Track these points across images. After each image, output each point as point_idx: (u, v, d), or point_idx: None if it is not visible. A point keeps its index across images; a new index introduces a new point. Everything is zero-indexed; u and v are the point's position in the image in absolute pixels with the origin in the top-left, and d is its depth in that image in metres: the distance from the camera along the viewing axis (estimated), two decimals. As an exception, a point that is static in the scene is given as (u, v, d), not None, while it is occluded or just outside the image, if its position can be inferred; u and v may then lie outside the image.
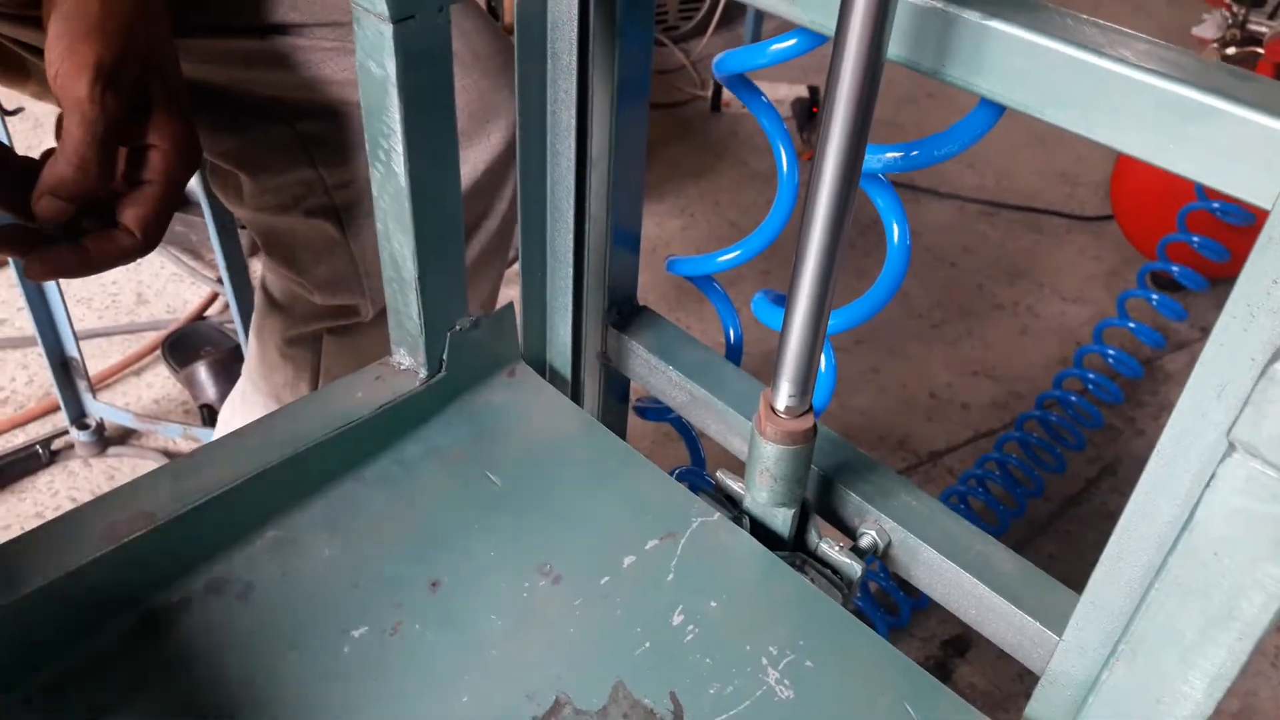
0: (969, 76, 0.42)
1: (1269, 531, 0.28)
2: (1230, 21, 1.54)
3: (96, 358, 1.45)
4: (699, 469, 0.81)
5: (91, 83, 0.53)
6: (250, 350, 0.94)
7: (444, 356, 0.58)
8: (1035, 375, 1.58)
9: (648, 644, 0.50)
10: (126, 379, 1.44)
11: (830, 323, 0.59)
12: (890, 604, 1.16)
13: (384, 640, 0.49)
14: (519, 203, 0.57)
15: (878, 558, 0.58)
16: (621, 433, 0.74)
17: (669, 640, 0.50)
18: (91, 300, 1.57)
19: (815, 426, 0.53)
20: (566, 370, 0.65)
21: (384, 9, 0.45)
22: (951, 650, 1.19)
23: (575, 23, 0.50)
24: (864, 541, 0.57)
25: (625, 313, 0.67)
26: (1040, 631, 0.52)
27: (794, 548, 0.57)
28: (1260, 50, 1.56)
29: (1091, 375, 1.36)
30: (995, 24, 0.40)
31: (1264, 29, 1.56)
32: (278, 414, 0.55)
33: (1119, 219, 1.85)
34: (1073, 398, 1.33)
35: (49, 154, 0.56)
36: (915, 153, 0.51)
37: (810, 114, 2.04)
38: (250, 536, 0.53)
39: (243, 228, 1.17)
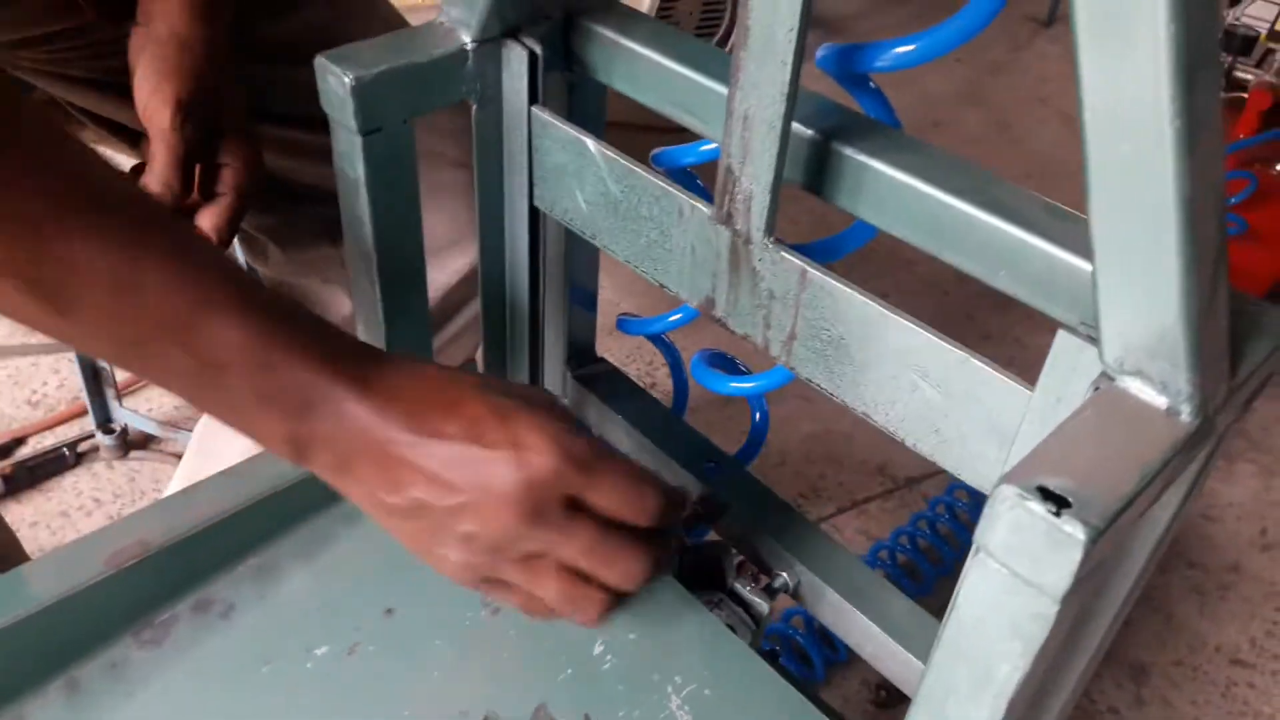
0: (850, 203, 0.49)
1: (1005, 616, 0.35)
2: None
3: (123, 365, 1.54)
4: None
5: (173, 115, 0.64)
6: None
7: (410, 406, 0.65)
8: (1017, 405, 1.64)
9: (570, 671, 0.57)
10: (150, 386, 1.54)
11: (755, 385, 0.67)
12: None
13: (342, 659, 0.57)
14: (479, 270, 0.64)
15: (791, 596, 0.65)
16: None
17: (589, 668, 0.57)
18: (120, 310, 1.66)
19: None
20: (524, 417, 0.72)
21: (354, 123, 0.52)
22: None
23: (525, 128, 0.58)
24: (777, 582, 0.64)
25: (583, 364, 0.74)
26: (919, 666, 0.59)
27: (713, 584, 0.65)
28: (1245, 95, 1.61)
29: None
30: (867, 160, 0.47)
31: (1249, 76, 1.61)
32: (260, 456, 0.63)
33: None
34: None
35: (137, 169, 0.67)
36: (819, 248, 0.57)
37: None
38: (234, 563, 0.61)
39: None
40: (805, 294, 0.50)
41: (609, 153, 0.55)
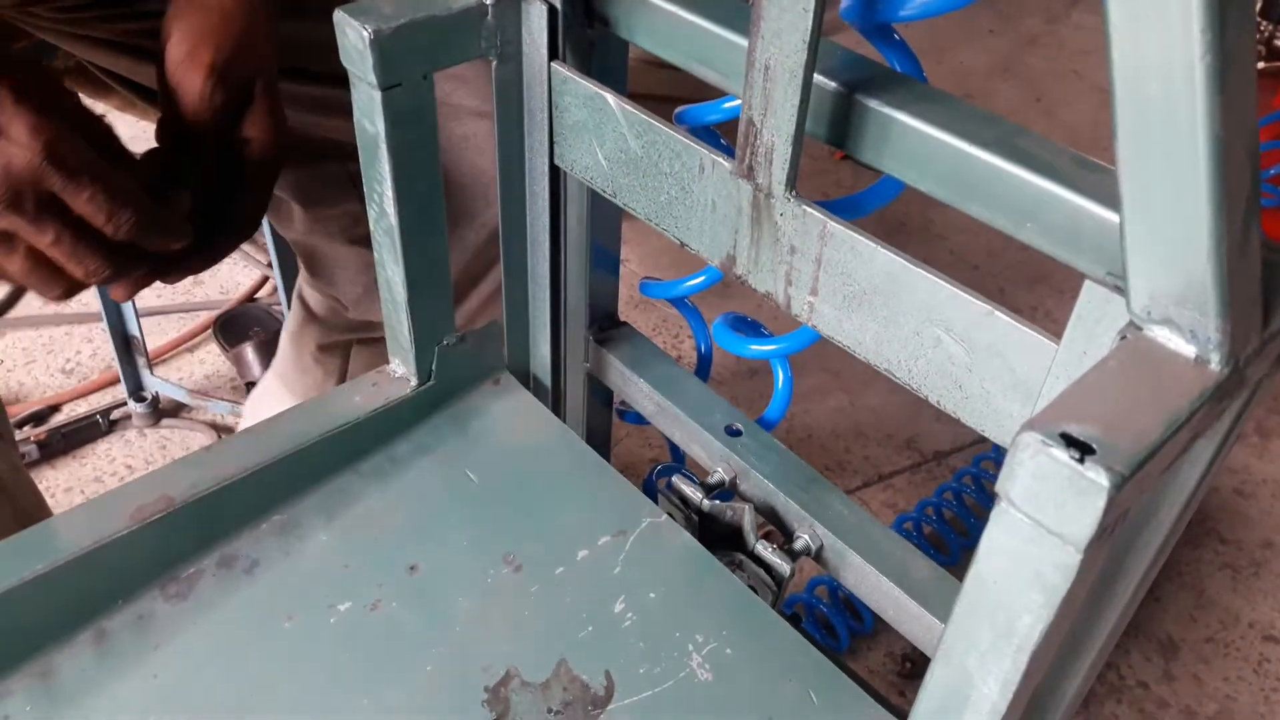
0: (874, 157, 0.48)
1: (1028, 566, 0.34)
2: (1257, 37, 1.56)
3: (154, 334, 1.56)
4: (679, 466, 0.88)
5: (205, 79, 0.62)
6: (284, 351, 1.04)
7: (433, 367, 0.65)
8: (1047, 379, 1.62)
9: (590, 628, 0.57)
10: (181, 355, 1.55)
11: (777, 347, 0.66)
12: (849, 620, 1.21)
13: (364, 616, 0.58)
14: (500, 236, 0.64)
15: (813, 559, 0.65)
16: (606, 433, 0.82)
17: (609, 625, 0.57)
18: (152, 280, 1.68)
19: None
20: (547, 380, 0.72)
21: (374, 78, 0.52)
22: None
23: (545, 84, 0.57)
24: (798, 544, 0.64)
25: (606, 328, 0.74)
26: (942, 629, 0.58)
27: (735, 547, 0.64)
28: (1286, 64, 1.57)
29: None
30: (892, 112, 0.46)
31: (1291, 43, 1.57)
32: (286, 414, 0.63)
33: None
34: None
35: (150, 154, 0.65)
36: (843, 206, 0.57)
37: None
38: (258, 520, 0.61)
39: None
40: (827, 249, 0.49)
41: (629, 107, 0.54)
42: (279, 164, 0.67)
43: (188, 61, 0.62)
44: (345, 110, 0.54)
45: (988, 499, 1.31)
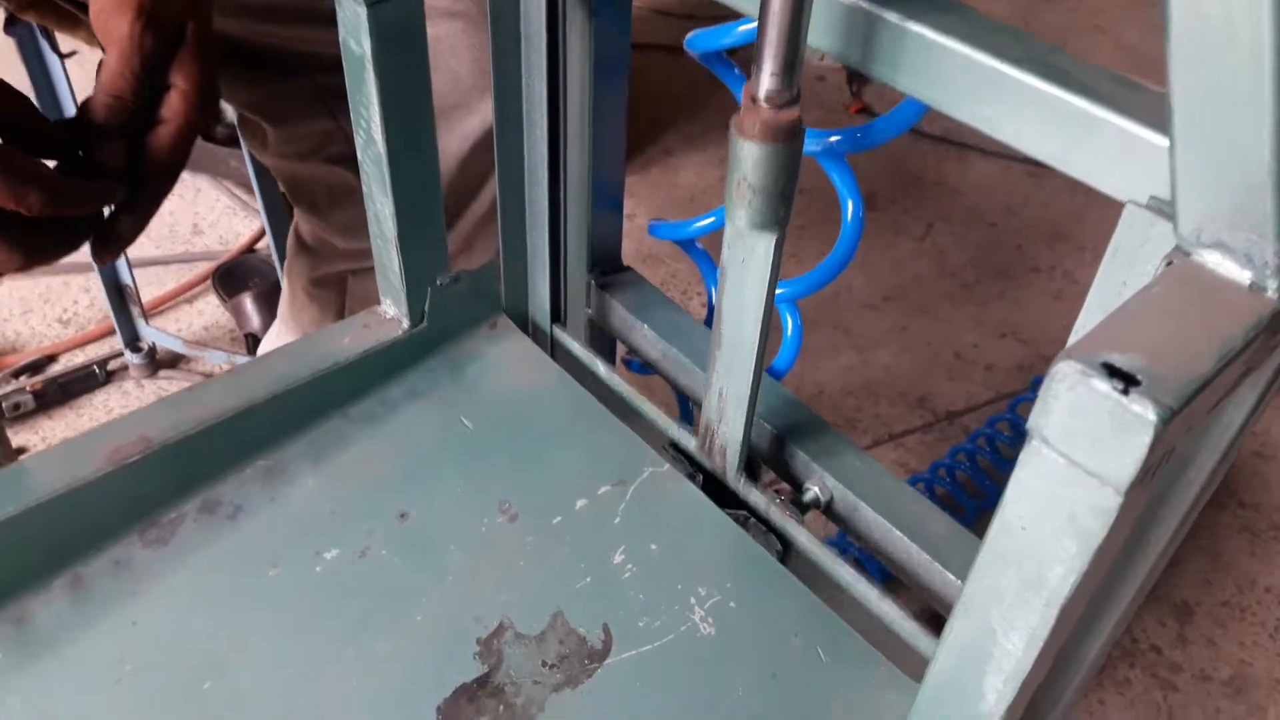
0: (890, 74, 0.44)
1: (1061, 511, 0.31)
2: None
3: (153, 284, 1.53)
4: (686, 419, 0.85)
5: (133, 21, 0.57)
6: (282, 292, 1.01)
7: (425, 308, 0.62)
8: (1065, 340, 1.57)
9: (588, 579, 0.55)
10: (179, 306, 1.53)
11: (785, 291, 0.63)
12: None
13: (353, 563, 0.55)
14: (496, 167, 0.61)
15: (823, 512, 0.62)
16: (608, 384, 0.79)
17: (608, 577, 0.55)
18: (150, 229, 1.65)
19: (801, 124, 0.47)
20: (546, 325, 0.69)
21: (360, -9, 0.49)
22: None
23: (544, 4, 0.54)
24: (807, 496, 0.61)
25: (608, 272, 0.71)
26: (958, 585, 0.56)
27: (740, 498, 0.62)
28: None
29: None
30: (911, 26, 0.43)
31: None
32: (273, 354, 0.61)
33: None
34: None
35: (84, 104, 0.61)
36: (859, 135, 0.53)
37: (860, 66, 2.02)
38: (242, 464, 0.59)
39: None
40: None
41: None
42: (201, 118, 0.62)
43: (116, 2, 0.57)
44: (308, 18, 0.50)
45: (1002, 460, 1.28)
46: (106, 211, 0.62)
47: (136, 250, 1.59)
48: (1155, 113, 0.38)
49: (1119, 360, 0.29)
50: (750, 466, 0.62)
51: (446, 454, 0.60)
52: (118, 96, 0.58)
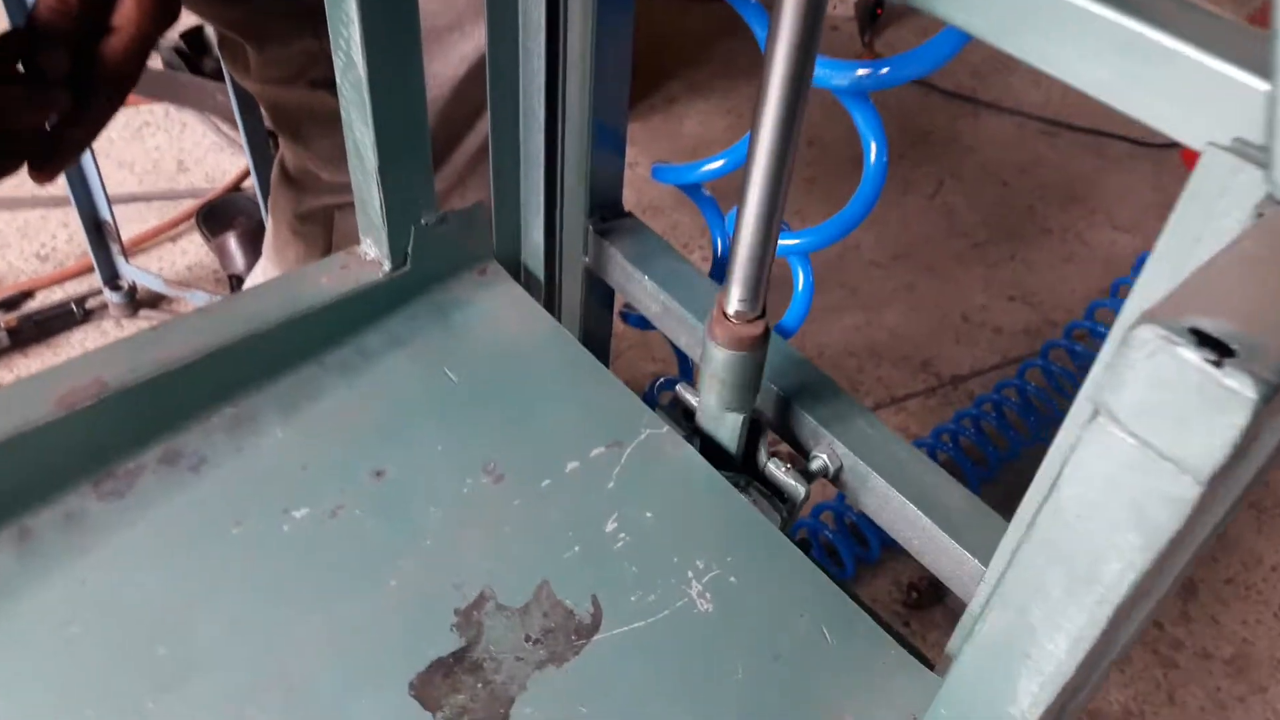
0: (929, 2, 0.40)
1: (1127, 499, 0.27)
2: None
3: (135, 221, 1.48)
4: (687, 379, 0.81)
5: None
6: (267, 226, 0.96)
7: (409, 250, 0.58)
8: (1074, 304, 1.54)
9: (577, 548, 0.50)
10: (163, 244, 1.47)
11: (798, 242, 0.58)
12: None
13: (323, 522, 0.51)
14: (488, 99, 0.56)
15: (829, 480, 0.58)
16: (605, 339, 0.74)
17: (599, 546, 0.51)
18: (133, 165, 1.59)
19: (767, 333, 0.52)
20: (540, 272, 0.65)
21: (338, -111, 0.43)
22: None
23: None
24: (815, 464, 0.57)
25: (608, 218, 0.66)
26: (976, 567, 0.52)
27: (742, 465, 0.58)
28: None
29: (1124, 310, 1.32)
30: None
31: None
32: (243, 294, 0.56)
33: (1184, 150, 1.77)
34: (1101, 329, 1.29)
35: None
36: (885, 70, 0.48)
37: (874, 15, 1.96)
38: (207, 412, 0.54)
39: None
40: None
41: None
42: (155, 29, 0.56)
43: None
44: None
45: (1010, 428, 1.24)
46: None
47: (117, 186, 1.54)
48: (1238, 47, 0.33)
49: (1209, 326, 0.24)
50: (754, 430, 0.58)
51: (428, 408, 0.56)
52: (64, 5, 0.52)
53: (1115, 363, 0.25)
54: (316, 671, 0.46)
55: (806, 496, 0.56)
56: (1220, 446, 0.24)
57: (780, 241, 0.59)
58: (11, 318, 1.31)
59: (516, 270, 0.65)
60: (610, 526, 0.51)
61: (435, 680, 0.46)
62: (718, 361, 0.53)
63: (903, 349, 1.48)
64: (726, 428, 0.56)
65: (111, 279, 1.33)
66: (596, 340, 0.73)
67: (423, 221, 0.57)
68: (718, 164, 0.63)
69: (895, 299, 1.54)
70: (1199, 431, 0.24)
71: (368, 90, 0.49)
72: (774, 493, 0.56)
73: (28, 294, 1.39)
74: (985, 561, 0.51)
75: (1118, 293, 1.38)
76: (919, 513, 0.54)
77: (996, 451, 1.20)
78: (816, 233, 0.60)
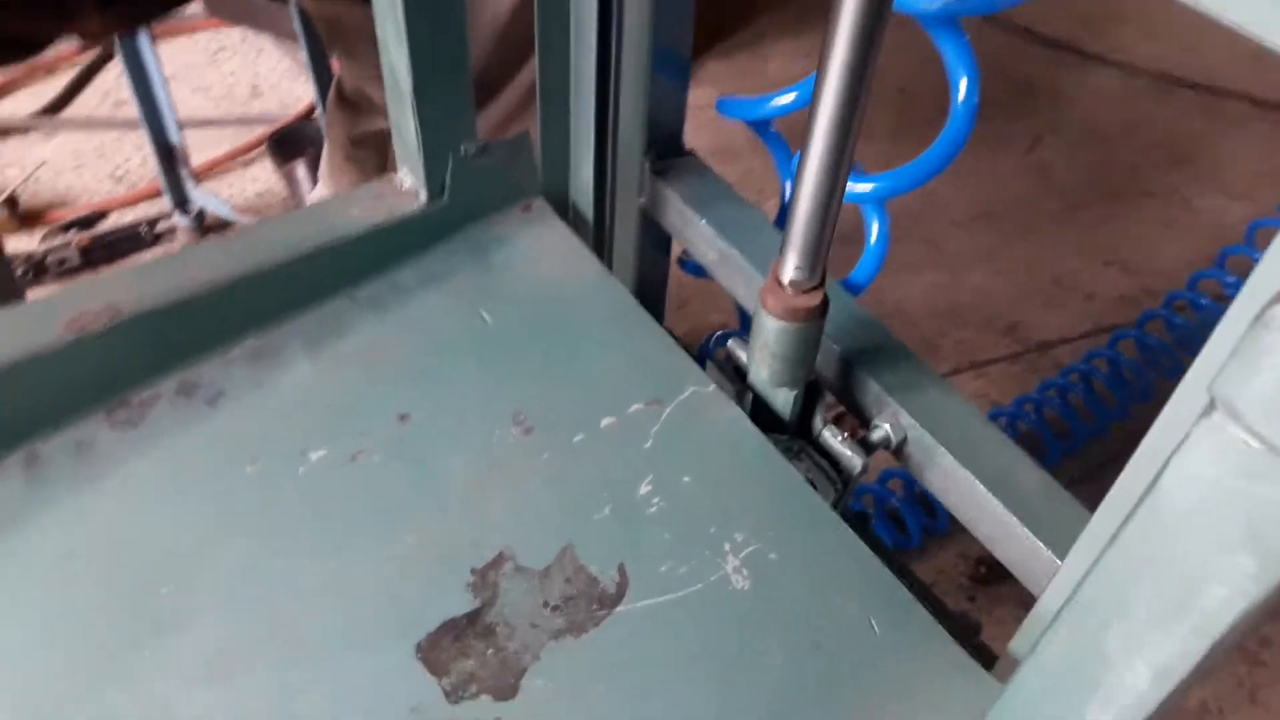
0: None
1: (1242, 513, 0.22)
2: None
3: (208, 146, 1.47)
4: (746, 333, 0.76)
5: None
6: (324, 152, 0.93)
7: (446, 180, 0.54)
8: (1176, 273, 1.44)
9: (607, 510, 0.47)
10: (235, 169, 1.46)
11: (873, 187, 0.53)
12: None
13: (341, 466, 0.48)
14: (535, 15, 0.51)
15: (891, 453, 0.53)
16: (660, 287, 0.70)
17: (630, 510, 0.47)
18: (209, 89, 1.58)
19: (825, 305, 0.47)
20: (589, 212, 0.60)
21: None
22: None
23: None
24: (876, 434, 0.52)
25: (667, 155, 0.61)
26: (1050, 560, 0.47)
27: (796, 431, 0.53)
28: None
29: (1231, 279, 1.23)
30: None
31: None
32: (269, 221, 0.53)
33: (1314, 109, 1.63)
34: (1203, 301, 1.20)
35: None
36: (983, -8, 0.42)
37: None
38: (228, 343, 0.51)
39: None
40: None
41: None
42: None
43: None
44: None
45: (1098, 401, 1.16)
46: None
47: (191, 110, 1.53)
48: None
49: (1376, 305, 0.19)
50: (811, 394, 0.53)
51: (460, 350, 0.52)
52: None
53: (1244, 348, 0.20)
54: (319, 625, 0.43)
55: (864, 470, 0.51)
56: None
57: (852, 186, 0.53)
58: (84, 237, 1.32)
59: (564, 208, 0.61)
60: (644, 489, 0.47)
61: (444, 643, 0.43)
62: (769, 332, 0.48)
63: (987, 311, 1.40)
64: (778, 401, 0.52)
65: (180, 203, 1.33)
66: (651, 288, 0.68)
67: (462, 151, 0.53)
68: (788, 98, 0.57)
69: (981, 259, 1.46)
70: (1349, 439, 0.19)
71: (402, 6, 0.45)
72: (829, 463, 0.51)
73: (101, 214, 1.39)
74: (1061, 556, 0.46)
75: (1225, 263, 1.27)
76: (989, 494, 0.49)
77: (1083, 425, 1.13)
78: (894, 177, 0.54)
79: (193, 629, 0.42)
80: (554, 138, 0.56)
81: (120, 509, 0.46)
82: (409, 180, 0.54)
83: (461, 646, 0.42)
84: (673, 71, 0.57)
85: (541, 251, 0.56)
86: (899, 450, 0.52)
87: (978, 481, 0.49)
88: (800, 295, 0.46)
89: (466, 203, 0.55)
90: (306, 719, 0.40)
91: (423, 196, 0.54)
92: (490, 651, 0.42)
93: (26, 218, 1.37)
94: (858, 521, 0.48)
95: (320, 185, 0.95)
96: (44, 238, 1.33)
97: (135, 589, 0.44)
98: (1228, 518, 0.22)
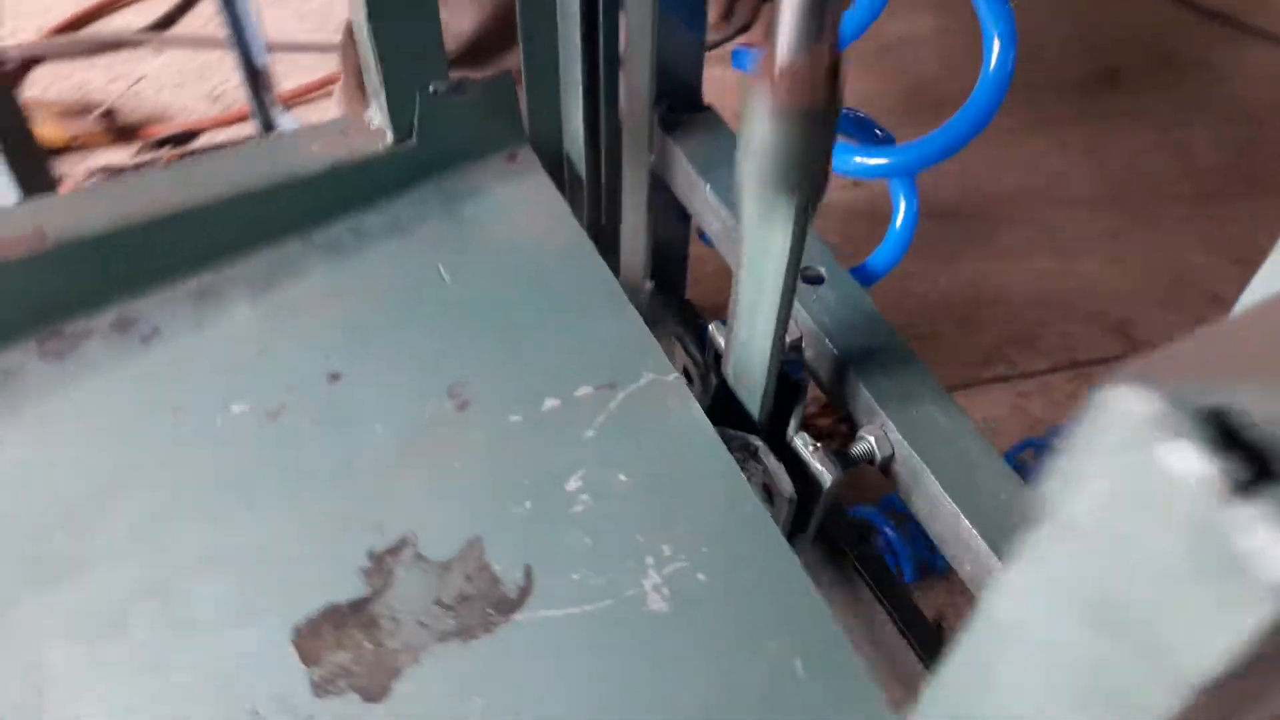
0: None
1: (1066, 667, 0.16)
2: None
3: (304, 71, 1.47)
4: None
5: None
6: (339, 82, 0.90)
7: (415, 121, 0.49)
8: (1322, 281, 1.28)
9: (528, 504, 0.42)
10: (324, 97, 1.46)
11: (888, 162, 0.46)
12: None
13: (261, 423, 0.45)
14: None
15: (880, 470, 0.47)
16: (680, 260, 0.64)
17: (553, 505, 0.42)
18: (305, 13, 1.58)
19: (836, 71, 0.32)
20: (582, 166, 0.55)
21: None
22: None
23: None
24: (857, 447, 0.45)
25: (679, 108, 0.55)
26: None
27: (768, 431, 0.47)
28: None
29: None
30: None
31: None
32: (225, 153, 0.50)
33: None
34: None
35: None
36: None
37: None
38: (172, 279, 0.49)
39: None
40: None
41: None
42: None
43: None
44: None
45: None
46: None
47: (281, 33, 1.53)
48: None
49: (1247, 408, 0.12)
50: (790, 391, 0.47)
51: (408, 309, 0.48)
52: None
53: (1073, 441, 0.14)
54: (204, 593, 0.40)
55: (834, 488, 0.45)
56: (1220, 652, 0.12)
57: (864, 160, 0.47)
58: (176, 153, 1.34)
59: (559, 161, 0.55)
60: (573, 485, 0.42)
61: (323, 630, 0.39)
62: (758, 139, 0.33)
63: (1097, 304, 1.28)
64: (759, 333, 0.42)
65: (268, 127, 1.33)
66: (666, 258, 0.63)
67: (431, 89, 0.48)
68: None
69: (1095, 245, 1.34)
70: (1185, 610, 0.13)
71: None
72: (796, 474, 0.45)
73: (194, 133, 1.41)
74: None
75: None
76: (974, 533, 0.42)
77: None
78: (922, 148, 0.47)
79: (77, 582, 0.40)
80: (539, 77, 0.51)
81: (33, 444, 0.44)
82: (378, 118, 0.50)
83: (340, 636, 0.39)
84: (684, 12, 0.50)
85: (518, 208, 0.51)
86: (885, 468, 0.46)
87: (962, 515, 0.42)
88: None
89: (440, 147, 0.51)
90: (174, 690, 0.38)
91: (389, 137, 0.50)
92: (369, 645, 0.39)
93: (123, 131, 1.40)
94: (855, 535, 0.43)
95: (332, 113, 0.92)
96: (137, 152, 1.35)
97: (30, 532, 0.41)
98: (1046, 667, 0.16)
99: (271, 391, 0.45)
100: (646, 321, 0.63)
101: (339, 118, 0.51)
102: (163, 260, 0.48)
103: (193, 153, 1.33)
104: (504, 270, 0.49)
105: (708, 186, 0.53)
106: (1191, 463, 0.12)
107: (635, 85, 0.53)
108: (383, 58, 0.46)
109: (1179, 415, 0.12)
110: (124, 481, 0.43)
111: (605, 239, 0.60)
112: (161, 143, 1.38)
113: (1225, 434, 0.12)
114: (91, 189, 0.49)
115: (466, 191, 0.52)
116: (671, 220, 0.61)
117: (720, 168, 0.53)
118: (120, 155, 1.36)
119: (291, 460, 0.43)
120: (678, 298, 0.66)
